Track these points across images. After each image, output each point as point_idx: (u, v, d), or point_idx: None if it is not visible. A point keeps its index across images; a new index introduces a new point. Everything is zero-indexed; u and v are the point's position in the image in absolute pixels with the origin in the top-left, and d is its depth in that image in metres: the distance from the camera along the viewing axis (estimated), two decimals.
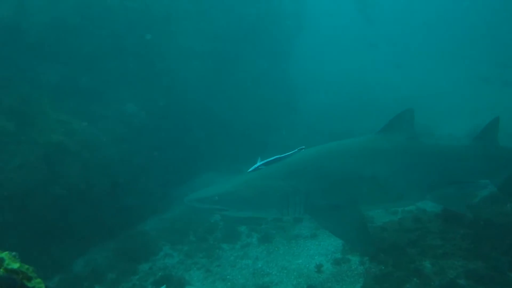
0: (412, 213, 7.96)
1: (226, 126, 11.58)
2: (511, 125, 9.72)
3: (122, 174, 8.46)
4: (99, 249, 7.99)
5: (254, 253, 7.52)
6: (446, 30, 32.75)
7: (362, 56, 27.23)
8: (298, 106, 16.58)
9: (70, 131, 7.76)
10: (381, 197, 5.57)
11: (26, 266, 2.23)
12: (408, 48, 29.14)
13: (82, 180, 7.71)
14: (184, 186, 10.24)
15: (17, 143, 6.98)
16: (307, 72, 21.21)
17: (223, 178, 5.55)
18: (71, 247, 7.60)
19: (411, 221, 7.20)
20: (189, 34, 10.66)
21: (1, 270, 2.03)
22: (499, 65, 22.01)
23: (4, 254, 2.17)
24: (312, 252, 7.26)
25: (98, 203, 7.95)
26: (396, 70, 21.59)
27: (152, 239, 8.14)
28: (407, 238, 6.51)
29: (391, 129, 5.74)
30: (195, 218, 8.92)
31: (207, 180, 10.40)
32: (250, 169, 5.31)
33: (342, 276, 6.34)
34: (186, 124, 10.43)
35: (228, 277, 6.81)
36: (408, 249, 6.30)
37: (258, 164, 5.35)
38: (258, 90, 13.32)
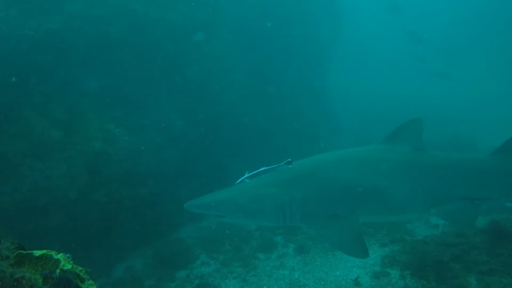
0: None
1: (262, 136, 11.60)
2: None
3: (160, 182, 8.63)
4: (138, 255, 8.17)
5: (291, 263, 7.45)
6: (502, 40, 31.31)
7: (408, 65, 26.56)
8: (336, 117, 16.43)
9: (112, 139, 8.00)
10: (380, 208, 5.36)
11: (80, 268, 2.30)
12: (459, 58, 27.96)
13: (122, 188, 7.92)
14: None
15: (63, 151, 7.25)
16: (346, 83, 20.99)
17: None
18: (111, 253, 7.79)
19: (454, 236, 6.94)
20: (226, 45, 10.80)
21: (58, 270, 2.10)
22: None
23: (60, 256, 2.25)
24: (350, 264, 7.13)
25: (136, 210, 8.13)
26: (445, 80, 20.72)
27: (189, 247, 8.23)
28: (451, 253, 6.28)
29: (395, 139, 5.55)
30: (230, 227, 8.95)
31: None
32: (237, 182, 5.37)
33: None
34: (222, 134, 10.52)
35: (264, 287, 6.78)
36: (451, 264, 6.07)
37: (244, 176, 5.39)
38: (295, 100, 13.29)
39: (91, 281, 2.29)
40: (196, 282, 7.14)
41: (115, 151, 7.87)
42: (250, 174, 5.32)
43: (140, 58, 8.93)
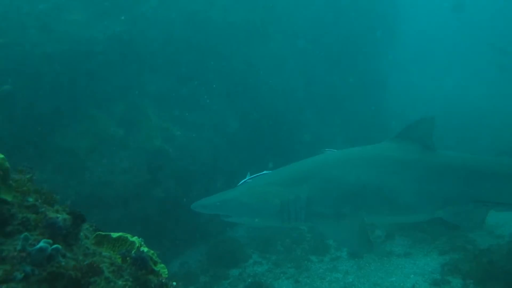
0: None
1: (315, 139, 11.50)
2: None
3: (215, 181, 8.78)
4: (192, 252, 8.35)
5: (344, 267, 7.32)
6: None
7: (474, 68, 25.11)
8: (391, 123, 15.87)
9: (170, 137, 8.28)
10: (386, 208, 5.25)
11: (152, 251, 2.40)
12: None
13: (179, 185, 8.15)
14: None
15: (125, 148, 7.60)
16: (405, 86, 20.20)
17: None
18: (167, 248, 8.00)
19: None
20: (282, 46, 10.86)
21: (134, 251, 2.20)
22: None
23: (135, 239, 2.36)
24: (407, 271, 6.89)
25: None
26: None
27: (242, 246, 8.30)
28: None
29: (404, 138, 5.41)
30: (282, 228, 8.93)
31: None
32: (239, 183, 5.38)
33: None
34: (276, 135, 10.54)
35: None
36: None
37: (246, 179, 5.40)
38: (351, 105, 12.99)
39: (162, 265, 2.38)
40: (249, 280, 7.19)
41: (173, 149, 8.13)
42: (252, 176, 5.41)
43: (199, 59, 9.18)
